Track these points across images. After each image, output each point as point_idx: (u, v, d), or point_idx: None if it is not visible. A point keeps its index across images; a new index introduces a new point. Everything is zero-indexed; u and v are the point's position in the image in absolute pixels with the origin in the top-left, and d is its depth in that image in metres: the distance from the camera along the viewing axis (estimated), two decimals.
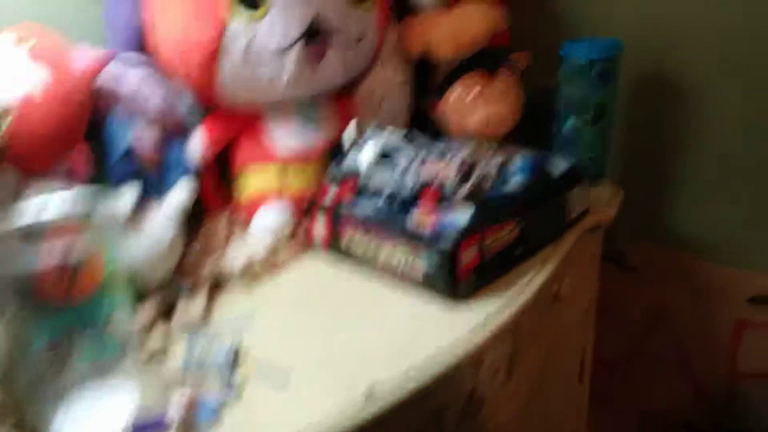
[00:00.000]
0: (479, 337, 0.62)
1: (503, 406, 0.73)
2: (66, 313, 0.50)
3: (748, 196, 0.98)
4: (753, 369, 1.04)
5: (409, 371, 0.56)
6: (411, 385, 0.55)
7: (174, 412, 0.47)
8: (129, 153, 0.64)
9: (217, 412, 0.51)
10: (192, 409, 0.48)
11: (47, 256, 0.47)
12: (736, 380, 1.06)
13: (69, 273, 0.50)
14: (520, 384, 0.75)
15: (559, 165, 0.79)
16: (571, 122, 0.91)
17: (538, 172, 0.78)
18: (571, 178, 0.79)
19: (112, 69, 0.68)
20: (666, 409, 1.13)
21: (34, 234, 0.53)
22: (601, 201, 0.88)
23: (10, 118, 0.56)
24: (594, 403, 1.03)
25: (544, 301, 0.79)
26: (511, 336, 0.70)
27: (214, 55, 0.70)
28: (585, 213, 0.82)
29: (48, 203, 0.54)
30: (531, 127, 0.96)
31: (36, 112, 0.57)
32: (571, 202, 0.79)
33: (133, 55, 0.73)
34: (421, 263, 0.66)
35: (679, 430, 1.12)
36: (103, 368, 0.52)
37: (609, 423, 1.15)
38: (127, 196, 0.60)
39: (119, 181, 0.63)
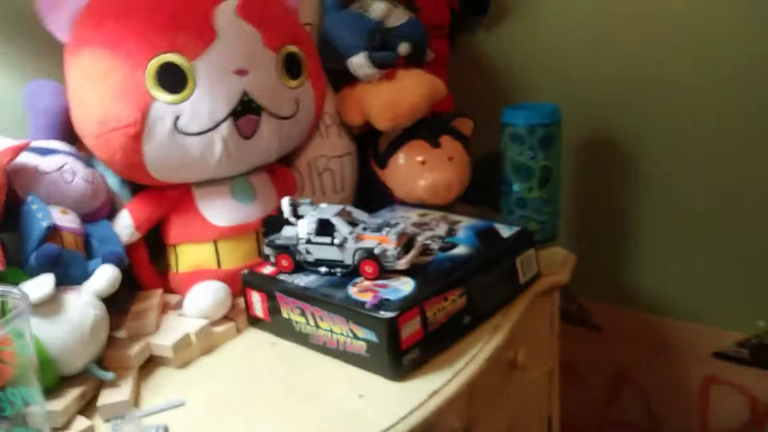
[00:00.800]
0: (424, 414, 0.59)
1: None
2: None
3: (706, 250, 0.99)
4: (723, 425, 1.03)
5: None
6: None
7: None
8: (46, 238, 0.63)
9: None
10: None
11: None
12: None
13: None
14: None
15: (506, 230, 0.80)
16: (517, 187, 0.92)
17: (484, 238, 0.78)
18: (520, 242, 0.79)
19: (30, 155, 0.69)
20: None
21: None
22: (553, 264, 0.88)
23: None
24: None
25: (500, 369, 0.78)
26: (463, 407, 0.68)
27: (138, 138, 0.70)
28: (536, 277, 0.83)
29: None
30: (480, 192, 0.98)
31: None
32: (520, 266, 0.79)
33: (53, 141, 0.73)
34: (362, 339, 0.65)
35: None
36: None
37: None
38: (44, 283, 0.59)
39: (39, 266, 0.61)
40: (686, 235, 1.00)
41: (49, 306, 0.59)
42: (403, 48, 0.92)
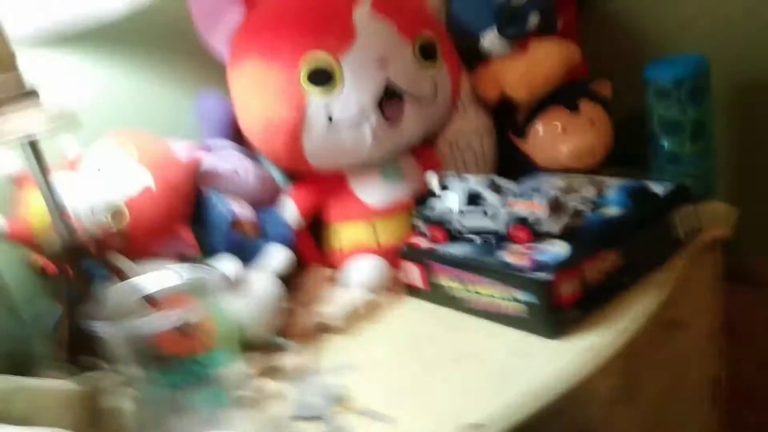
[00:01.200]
0: (584, 370, 0.61)
1: None
2: (184, 368, 0.56)
3: None
4: None
5: (513, 406, 0.57)
6: (515, 420, 0.56)
7: None
8: (230, 226, 0.71)
9: None
10: None
11: (165, 320, 0.54)
12: None
13: (185, 334, 0.57)
14: (639, 415, 0.72)
15: (659, 187, 0.78)
16: (668, 144, 0.89)
17: (636, 197, 0.77)
18: (674, 198, 0.77)
19: (209, 157, 0.78)
20: None
21: (153, 303, 0.61)
22: (713, 219, 0.84)
23: (127, 214, 0.66)
24: None
25: (659, 327, 0.76)
26: (625, 366, 0.68)
27: (297, 133, 0.77)
28: (697, 232, 0.79)
29: (163, 278, 0.62)
30: (627, 152, 0.95)
31: (146, 208, 0.67)
32: (676, 223, 0.77)
33: (226, 142, 0.83)
34: (520, 301, 0.67)
35: None
36: (217, 417, 0.58)
37: None
38: (230, 265, 0.67)
39: (224, 251, 0.70)
40: None
41: (236, 285, 0.68)
42: (533, 19, 0.93)
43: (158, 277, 0.62)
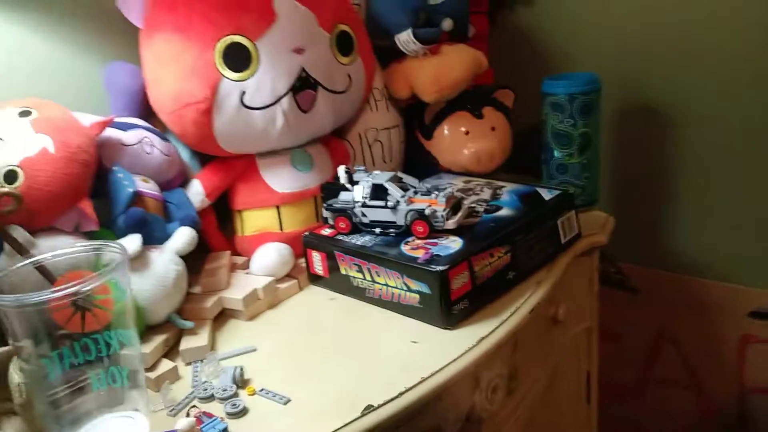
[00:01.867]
0: (472, 358, 0.65)
1: (504, 426, 0.75)
2: (79, 345, 0.55)
3: (743, 213, 1.02)
4: (760, 383, 1.06)
5: (403, 392, 0.60)
6: (405, 404, 0.59)
7: (183, 428, 0.51)
8: (131, 203, 0.70)
9: (223, 428, 0.55)
10: (200, 424, 0.52)
11: (60, 292, 0.53)
12: (744, 396, 1.07)
13: (81, 308, 0.56)
14: (521, 404, 0.78)
15: (548, 193, 0.85)
16: (558, 154, 0.96)
17: (527, 201, 0.83)
18: (561, 204, 0.83)
19: (113, 130, 0.76)
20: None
21: (47, 273, 0.59)
22: (593, 226, 0.92)
23: (22, 177, 0.63)
24: (605, 430, 1.04)
25: (542, 323, 0.83)
26: (508, 356, 0.73)
27: (207, 113, 0.77)
28: (577, 237, 0.87)
29: (61, 250, 0.61)
30: (522, 160, 1.02)
31: (43, 173, 0.64)
32: (561, 227, 0.84)
33: (133, 117, 0.80)
34: (415, 291, 0.71)
35: None
36: (115, 396, 0.57)
37: None
38: (132, 241, 0.66)
39: (125, 229, 0.69)
40: (723, 197, 1.03)
41: (136, 262, 0.67)
42: (447, 24, 0.97)
43: (55, 249, 0.60)
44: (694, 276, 1.07)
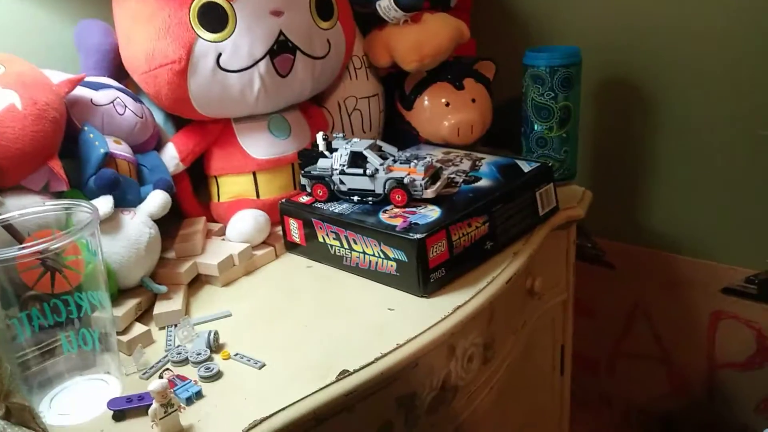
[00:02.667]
0: (448, 326, 0.65)
1: (479, 395, 0.76)
2: (49, 306, 0.54)
3: (719, 191, 1.03)
4: (730, 358, 1.09)
5: (378, 357, 0.60)
6: (380, 370, 0.59)
7: (155, 389, 0.50)
8: (103, 164, 0.68)
9: (194, 395, 0.55)
10: (170, 392, 0.51)
11: (28, 249, 0.51)
12: (714, 371, 1.10)
13: (51, 268, 0.55)
14: (496, 374, 0.79)
15: (527, 165, 0.85)
16: (537, 127, 0.96)
17: (506, 172, 0.83)
18: (539, 176, 0.84)
19: (84, 89, 0.74)
20: (648, 405, 1.16)
21: (15, 232, 0.58)
22: (571, 200, 0.93)
23: None
24: (577, 402, 1.07)
25: (518, 294, 0.84)
26: (484, 325, 0.74)
27: (182, 74, 0.75)
28: (555, 210, 0.87)
29: (30, 209, 0.59)
30: (502, 133, 1.02)
31: (10, 130, 0.62)
32: (539, 199, 0.84)
33: (106, 77, 0.79)
34: (392, 259, 0.71)
35: (662, 425, 1.15)
36: (86, 357, 0.56)
37: (593, 421, 1.18)
38: (103, 202, 0.65)
39: (96, 190, 0.67)
40: (699, 175, 1.04)
41: (108, 224, 0.66)
42: None
43: (24, 208, 0.58)
44: (668, 252, 1.09)
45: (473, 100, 0.96)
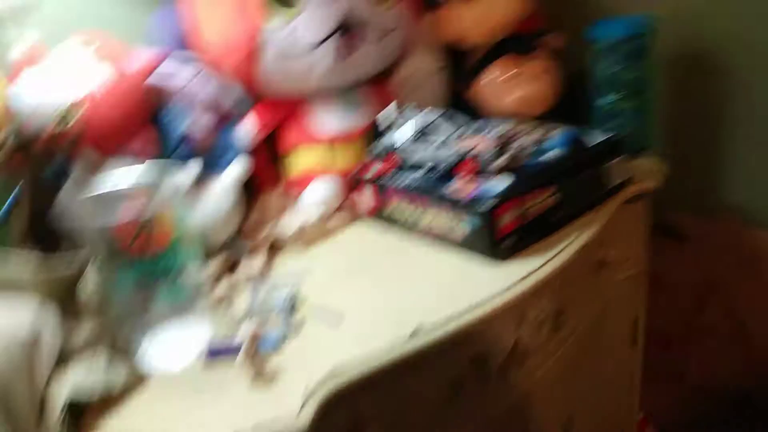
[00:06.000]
0: (519, 291, 0.69)
1: (549, 361, 0.79)
2: (145, 264, 0.60)
3: None
4: None
5: (451, 318, 0.64)
6: (452, 329, 0.63)
7: (241, 341, 0.56)
8: (184, 139, 0.75)
9: (278, 344, 0.61)
10: (256, 340, 0.57)
11: (125, 214, 0.58)
12: None
13: (144, 230, 0.61)
14: (566, 341, 0.82)
15: (597, 137, 0.87)
16: (607, 100, 0.98)
17: (575, 144, 0.85)
18: (610, 149, 0.86)
19: (165, 66, 0.81)
20: (722, 383, 1.15)
21: (113, 198, 0.65)
22: (644, 172, 0.94)
23: (82, 109, 0.69)
24: (649, 378, 1.08)
25: (589, 266, 0.86)
26: (554, 294, 0.77)
27: (253, 53, 0.81)
28: (627, 183, 0.89)
29: (123, 175, 0.66)
30: (569, 106, 1.04)
31: (104, 106, 0.70)
32: (610, 171, 0.86)
33: (184, 54, 0.85)
34: (461, 228, 0.75)
35: (734, 403, 1.14)
36: (178, 310, 0.63)
37: (663, 396, 1.18)
38: (191, 169, 0.71)
39: (181, 159, 0.74)
40: None
41: (194, 190, 0.72)
42: None
43: (118, 174, 0.65)
44: (745, 226, 1.08)
45: (540, 73, 0.98)
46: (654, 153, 1.01)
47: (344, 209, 0.86)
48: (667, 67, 1.08)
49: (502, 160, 0.78)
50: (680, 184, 1.01)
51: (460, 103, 1.03)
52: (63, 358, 0.58)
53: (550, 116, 1.02)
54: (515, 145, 0.84)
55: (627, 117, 0.98)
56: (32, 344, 0.54)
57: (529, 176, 0.78)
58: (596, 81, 0.98)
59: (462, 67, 1.01)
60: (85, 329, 0.60)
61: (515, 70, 0.97)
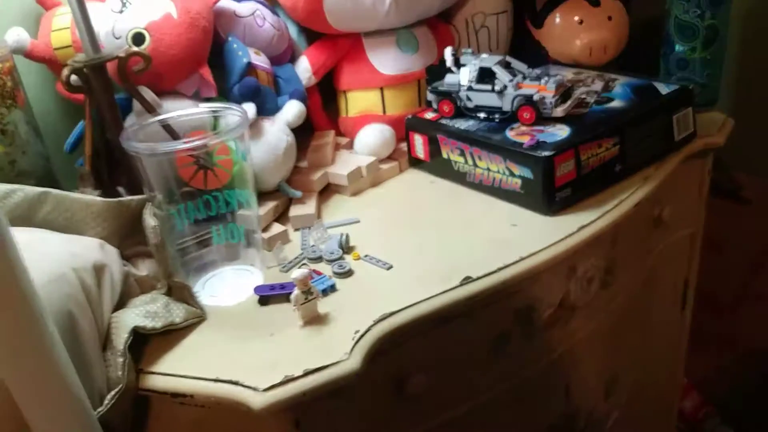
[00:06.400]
0: (571, 244, 0.68)
1: (596, 317, 0.79)
2: (202, 201, 0.62)
3: None
4: None
5: (501, 267, 0.64)
6: (501, 280, 0.63)
7: (293, 283, 0.58)
8: (245, 73, 0.75)
9: (331, 284, 0.62)
10: (308, 283, 0.58)
11: (186, 146, 0.59)
12: None
13: (203, 167, 0.62)
14: (614, 300, 0.81)
15: (664, 88, 0.84)
16: (679, 47, 0.94)
17: (640, 94, 0.83)
18: (677, 100, 0.82)
19: (227, 1, 0.80)
20: None
21: (173, 132, 0.66)
22: (710, 127, 0.90)
23: (149, 39, 0.69)
24: (696, 341, 1.06)
25: (644, 222, 0.84)
26: (606, 249, 0.76)
27: None
28: (692, 137, 0.86)
29: (184, 110, 0.67)
30: (638, 54, 1.00)
31: (168, 35, 0.70)
32: (676, 124, 0.83)
33: None
34: (517, 176, 0.74)
35: None
36: (233, 251, 0.65)
37: (712, 361, 1.17)
38: (249, 109, 0.72)
39: (239, 98, 0.74)
40: None
41: (250, 130, 0.73)
42: None
43: (180, 109, 0.66)
44: None
45: (609, 18, 0.94)
46: (722, 107, 0.96)
47: (396, 157, 0.86)
48: (741, 19, 1.02)
49: (562, 109, 0.77)
50: (745, 144, 0.97)
51: (527, 46, 1.00)
52: (127, 291, 0.61)
53: (619, 63, 0.98)
54: (578, 92, 0.82)
55: (698, 67, 0.93)
56: (98, 273, 0.57)
57: (590, 125, 0.76)
58: (669, 27, 0.94)
59: (531, 7, 0.98)
60: (147, 263, 0.63)
61: (579, 16, 0.93)
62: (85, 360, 0.53)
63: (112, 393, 0.52)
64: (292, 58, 0.88)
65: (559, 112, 0.76)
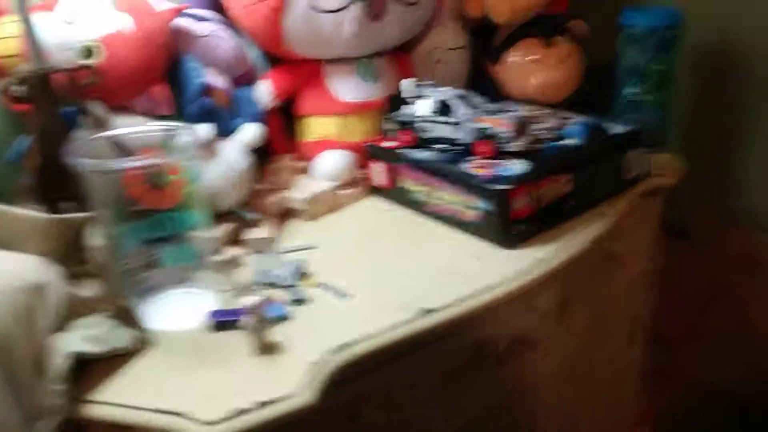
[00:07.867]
0: (528, 279, 0.68)
1: (552, 353, 0.79)
2: (152, 222, 0.59)
3: None
4: None
5: (458, 300, 0.63)
6: (459, 313, 0.62)
7: (246, 309, 0.55)
8: (201, 93, 0.73)
9: (285, 312, 0.60)
10: (261, 309, 0.56)
11: (135, 164, 0.57)
12: None
13: (154, 182, 0.60)
14: (569, 334, 0.81)
15: (616, 128, 0.86)
16: (630, 90, 0.97)
17: (594, 133, 0.84)
18: (628, 140, 0.84)
19: (186, 19, 0.79)
20: (723, 386, 1.16)
21: (123, 148, 0.63)
22: (661, 167, 0.93)
23: (100, 52, 0.67)
24: (653, 379, 1.08)
25: (597, 256, 0.85)
26: (561, 283, 0.77)
27: (277, 12, 0.79)
28: (643, 176, 0.88)
29: (136, 127, 0.65)
30: (590, 95, 1.02)
31: (121, 50, 0.68)
32: (627, 163, 0.85)
33: (205, 10, 0.83)
34: (475, 208, 0.74)
35: (734, 408, 1.15)
36: (184, 272, 0.62)
37: (668, 399, 1.19)
38: (205, 129, 0.70)
39: (194, 118, 0.72)
40: None
41: (207, 150, 0.71)
42: None
43: (131, 126, 0.64)
44: (758, 231, 1.08)
45: (563, 59, 0.97)
46: (672, 149, 1.00)
47: (356, 182, 0.85)
48: (691, 63, 1.07)
49: (519, 143, 0.77)
50: (694, 184, 1.00)
51: (482, 82, 1.02)
52: (68, 313, 0.57)
53: (571, 103, 1.01)
54: (534, 129, 0.84)
55: (649, 110, 0.96)
56: (35, 293, 0.53)
57: (546, 161, 0.77)
58: (621, 70, 0.97)
59: (488, 44, 1.00)
60: (90, 284, 0.60)
61: (535, 54, 0.96)
62: (14, 385, 0.49)
63: (44, 422, 0.49)
64: (253, 80, 0.87)
65: (515, 146, 0.77)
